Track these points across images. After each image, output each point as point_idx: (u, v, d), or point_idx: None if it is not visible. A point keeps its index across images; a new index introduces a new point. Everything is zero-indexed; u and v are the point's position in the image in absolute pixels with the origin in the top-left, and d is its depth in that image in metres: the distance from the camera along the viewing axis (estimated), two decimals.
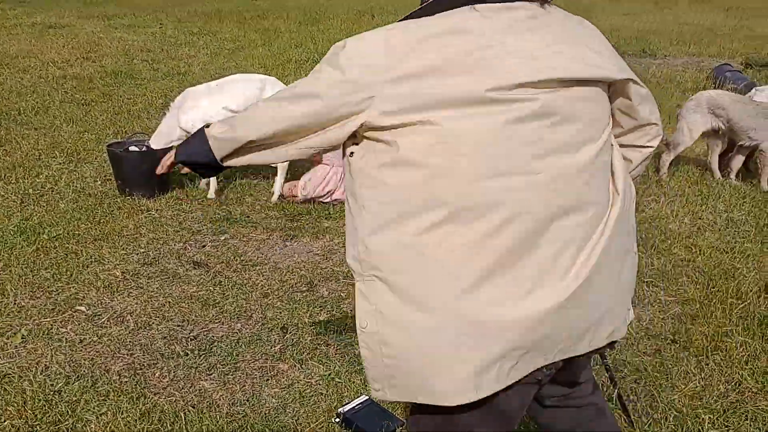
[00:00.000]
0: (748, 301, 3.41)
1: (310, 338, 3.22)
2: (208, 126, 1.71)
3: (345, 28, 13.55)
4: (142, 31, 12.91)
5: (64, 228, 4.25)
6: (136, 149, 4.72)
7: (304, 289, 3.69)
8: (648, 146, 1.71)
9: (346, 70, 1.44)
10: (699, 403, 2.72)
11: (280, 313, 3.44)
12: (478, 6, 1.43)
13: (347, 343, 3.18)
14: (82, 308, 3.42)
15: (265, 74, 9.17)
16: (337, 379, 2.91)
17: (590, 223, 1.47)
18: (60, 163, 5.40)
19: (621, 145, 1.66)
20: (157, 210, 4.62)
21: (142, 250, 4.07)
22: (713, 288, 3.59)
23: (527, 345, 1.44)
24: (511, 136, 1.38)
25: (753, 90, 7.76)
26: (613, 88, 1.56)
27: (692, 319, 3.33)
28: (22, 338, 3.14)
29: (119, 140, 5.16)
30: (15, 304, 3.43)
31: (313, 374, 2.96)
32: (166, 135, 4.74)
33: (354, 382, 2.88)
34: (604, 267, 1.49)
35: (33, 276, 3.69)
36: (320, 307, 3.50)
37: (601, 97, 1.53)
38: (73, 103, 7.34)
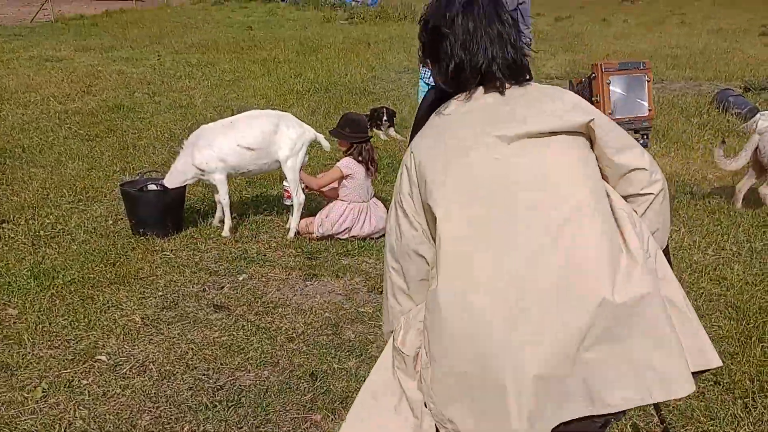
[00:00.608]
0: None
1: (340, 385, 3.12)
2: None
3: (342, 57, 13.59)
4: (140, 63, 12.90)
5: (78, 271, 4.15)
6: (154, 187, 4.63)
7: (330, 332, 3.59)
8: (646, 194, 1.65)
9: None
10: None
11: (308, 358, 3.34)
12: None
13: None
14: (103, 358, 3.31)
15: (267, 105, 9.18)
16: None
17: None
18: (69, 202, 5.31)
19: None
20: (172, 250, 4.53)
21: (160, 294, 3.96)
22: (748, 324, 3.52)
23: None
24: None
25: (758, 115, 7.78)
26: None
27: (732, 358, 3.25)
28: (42, 392, 3.03)
29: (132, 178, 5.07)
30: (33, 354, 3.32)
31: None
32: (181, 173, 4.66)
33: None
34: None
35: (50, 324, 3.58)
36: (348, 351, 3.40)
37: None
38: (77, 139, 7.27)
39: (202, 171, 4.65)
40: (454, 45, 1.63)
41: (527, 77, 1.67)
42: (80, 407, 2.94)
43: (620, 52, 14.56)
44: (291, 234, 4.75)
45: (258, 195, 5.68)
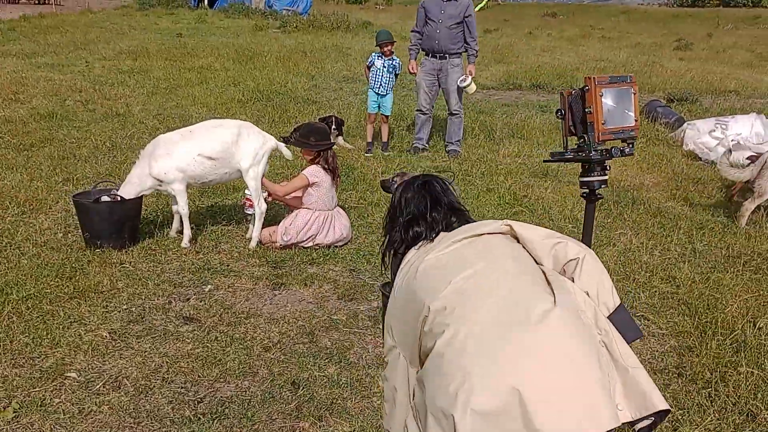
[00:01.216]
0: (737, 332, 3.58)
1: (324, 392, 3.13)
2: None
3: (281, 66, 13.51)
4: (67, 69, 12.42)
5: (33, 287, 3.97)
6: (108, 198, 4.48)
7: (306, 340, 3.59)
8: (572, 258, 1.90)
9: None
10: None
11: (287, 367, 3.33)
12: None
13: (363, 396, 3.11)
14: (73, 374, 3.19)
15: (208, 113, 9.03)
16: None
17: None
18: (13, 215, 5.06)
19: None
20: (130, 262, 4.40)
21: (125, 307, 3.85)
22: (701, 319, 3.75)
23: None
24: None
25: (685, 124, 8.27)
26: None
27: (690, 351, 3.46)
28: (14, 412, 2.89)
29: (84, 190, 4.89)
30: None
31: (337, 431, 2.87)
32: (137, 185, 4.54)
33: None
34: None
35: (10, 341, 3.42)
36: (326, 358, 3.41)
37: None
38: (10, 149, 6.94)
39: (160, 181, 4.55)
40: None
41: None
42: (57, 426, 2.83)
43: (549, 65, 15.10)
44: (253, 243, 4.71)
45: (214, 205, 5.59)
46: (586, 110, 2.08)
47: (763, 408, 2.97)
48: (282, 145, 4.84)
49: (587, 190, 2.25)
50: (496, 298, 1.70)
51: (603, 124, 2.07)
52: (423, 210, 2.13)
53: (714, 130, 7.77)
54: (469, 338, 1.62)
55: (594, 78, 2.07)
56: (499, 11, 49.16)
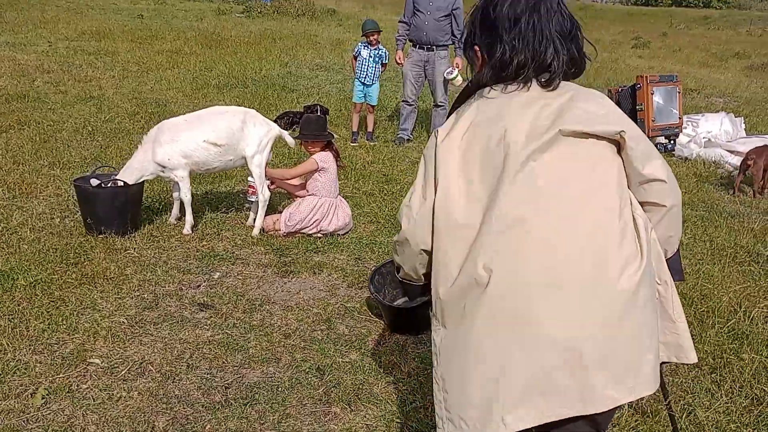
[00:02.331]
0: (734, 320, 3.79)
1: (349, 378, 3.19)
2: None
3: (252, 51, 13.38)
4: (29, 49, 12.04)
5: (39, 273, 3.90)
6: (110, 185, 4.42)
7: (323, 327, 3.63)
8: (661, 205, 1.72)
9: None
10: (728, 418, 3.00)
11: (309, 354, 3.37)
12: None
13: (388, 382, 3.18)
14: (96, 361, 3.17)
15: (185, 99, 8.91)
16: (396, 420, 2.91)
17: None
18: (4, 199, 4.94)
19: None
20: (135, 249, 4.36)
21: (137, 294, 3.82)
22: (698, 309, 3.95)
23: None
24: None
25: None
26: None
27: (694, 339, 3.64)
28: (42, 398, 2.86)
29: (81, 174, 4.79)
30: (17, 360, 3.11)
31: (368, 416, 2.94)
32: (138, 170, 4.48)
33: (413, 421, 2.89)
34: None
35: (26, 328, 3.36)
36: (346, 344, 3.47)
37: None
38: None
39: (163, 167, 4.51)
40: (517, 38, 1.69)
41: (577, 73, 1.76)
42: (88, 412, 2.81)
43: None
44: (256, 231, 4.72)
45: (209, 191, 5.56)
46: (638, 107, 2.18)
47: (767, 392, 3.17)
48: (285, 133, 4.85)
49: None
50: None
51: (653, 120, 2.18)
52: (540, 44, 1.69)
53: (685, 128, 8.08)
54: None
55: (646, 76, 2.19)
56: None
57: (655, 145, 2.28)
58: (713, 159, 7.33)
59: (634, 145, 1.66)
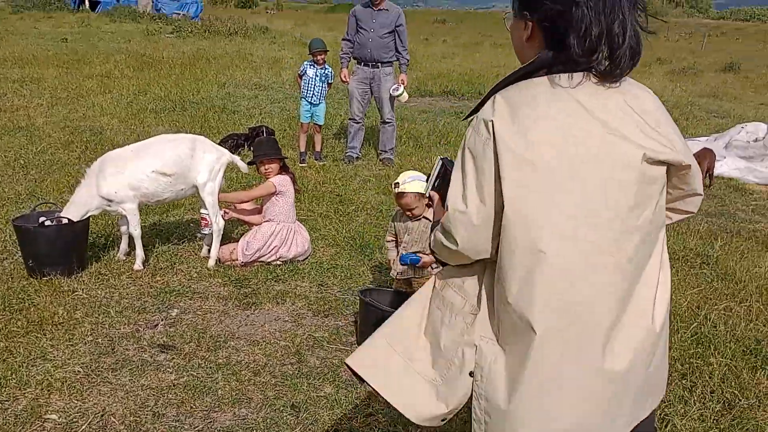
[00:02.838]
0: (695, 324, 3.86)
1: (326, 414, 3.07)
2: None
3: (188, 73, 13.08)
4: None
5: None
6: (49, 222, 4.15)
7: (293, 360, 3.50)
8: (691, 212, 1.74)
9: None
10: (704, 425, 3.03)
11: (281, 390, 3.23)
12: None
13: (366, 414, 3.08)
14: (53, 417, 2.94)
15: (121, 124, 8.58)
16: None
17: None
18: None
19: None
20: (84, 289, 4.11)
21: (90, 339, 3.59)
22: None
23: None
24: None
25: None
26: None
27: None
28: None
29: (21, 213, 4.50)
30: None
31: None
32: (83, 205, 4.24)
33: None
34: None
35: None
36: (319, 378, 3.34)
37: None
38: None
39: (110, 201, 4.28)
40: (591, 12, 1.43)
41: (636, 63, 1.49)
42: None
43: (452, 71, 15.54)
44: (212, 262, 4.53)
45: (157, 222, 5.33)
46: None
47: (739, 395, 3.22)
48: (237, 158, 4.69)
49: None
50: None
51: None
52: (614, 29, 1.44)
53: None
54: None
55: None
56: None
57: None
58: None
59: (691, 180, 1.62)
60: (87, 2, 29.49)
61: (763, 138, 7.34)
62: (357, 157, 7.51)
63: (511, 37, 1.66)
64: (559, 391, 1.51)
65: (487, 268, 1.64)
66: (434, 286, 1.78)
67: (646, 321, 1.55)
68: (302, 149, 7.37)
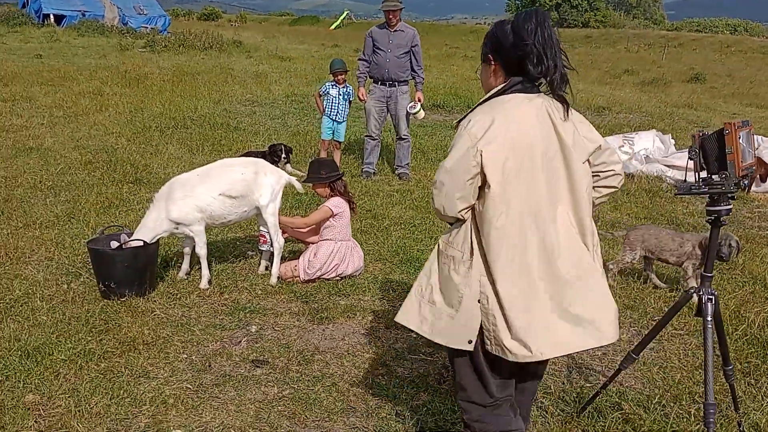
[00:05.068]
0: (744, 326, 4.19)
1: (431, 420, 3.27)
2: None
3: (177, 90, 13.10)
4: None
5: (72, 344, 3.72)
6: (119, 245, 4.26)
7: (383, 371, 3.68)
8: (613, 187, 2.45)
9: None
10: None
11: (381, 400, 3.41)
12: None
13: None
14: (179, 431, 3.08)
15: (129, 144, 8.62)
16: None
17: None
18: None
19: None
20: (160, 309, 4.23)
21: (184, 356, 3.73)
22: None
23: None
24: None
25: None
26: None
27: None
28: None
29: (94, 236, 4.59)
30: None
31: None
32: (152, 229, 4.37)
33: None
34: None
35: (88, 405, 3.21)
36: (412, 386, 3.53)
37: None
38: None
39: (178, 224, 4.42)
40: (534, 51, 2.15)
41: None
42: None
43: (436, 84, 15.85)
44: (273, 280, 4.70)
45: (211, 242, 5.44)
46: (727, 150, 2.47)
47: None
48: (294, 179, 4.87)
49: (714, 218, 2.65)
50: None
51: (742, 162, 2.48)
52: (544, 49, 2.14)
53: (623, 146, 8.73)
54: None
55: (734, 123, 2.48)
56: (356, 29, 50.24)
57: (738, 182, 2.56)
58: (655, 174, 7.99)
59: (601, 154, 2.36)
60: (52, 16, 28.99)
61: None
62: (374, 173, 7.73)
63: (480, 76, 2.39)
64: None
65: (473, 228, 2.29)
66: (439, 248, 2.42)
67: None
68: None
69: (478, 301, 2.25)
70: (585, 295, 2.23)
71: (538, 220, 2.18)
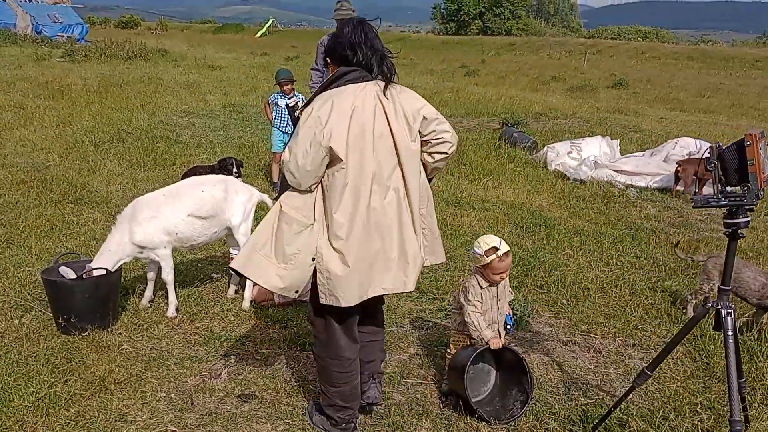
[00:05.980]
0: None
1: None
2: None
3: (107, 101, 12.46)
4: None
5: (34, 388, 3.35)
6: (72, 274, 3.90)
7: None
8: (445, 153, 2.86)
9: None
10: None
11: (381, 428, 3.24)
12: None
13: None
14: None
15: (61, 161, 8.08)
16: None
17: None
18: None
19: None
20: (128, 343, 3.89)
21: (163, 395, 3.42)
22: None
23: None
24: None
25: (545, 147, 9.26)
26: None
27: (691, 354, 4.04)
28: None
29: (47, 266, 4.18)
30: None
31: None
32: (114, 253, 4.02)
33: None
34: None
35: None
36: (412, 414, 3.38)
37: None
38: None
39: (143, 248, 4.09)
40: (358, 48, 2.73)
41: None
42: None
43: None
44: (246, 304, 4.43)
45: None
46: (749, 162, 2.44)
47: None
48: (265, 197, 4.62)
49: (732, 230, 2.62)
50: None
51: (763, 173, 2.45)
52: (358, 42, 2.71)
53: (571, 152, 8.87)
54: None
55: (755, 134, 2.45)
56: (281, 36, 49.72)
57: (757, 194, 2.53)
58: (605, 179, 8.14)
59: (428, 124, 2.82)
60: None
61: (697, 152, 8.12)
62: None
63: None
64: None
65: (317, 194, 2.74)
66: (280, 209, 2.78)
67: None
68: (275, 179, 7.29)
69: (313, 258, 2.72)
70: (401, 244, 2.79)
71: (375, 185, 2.68)
